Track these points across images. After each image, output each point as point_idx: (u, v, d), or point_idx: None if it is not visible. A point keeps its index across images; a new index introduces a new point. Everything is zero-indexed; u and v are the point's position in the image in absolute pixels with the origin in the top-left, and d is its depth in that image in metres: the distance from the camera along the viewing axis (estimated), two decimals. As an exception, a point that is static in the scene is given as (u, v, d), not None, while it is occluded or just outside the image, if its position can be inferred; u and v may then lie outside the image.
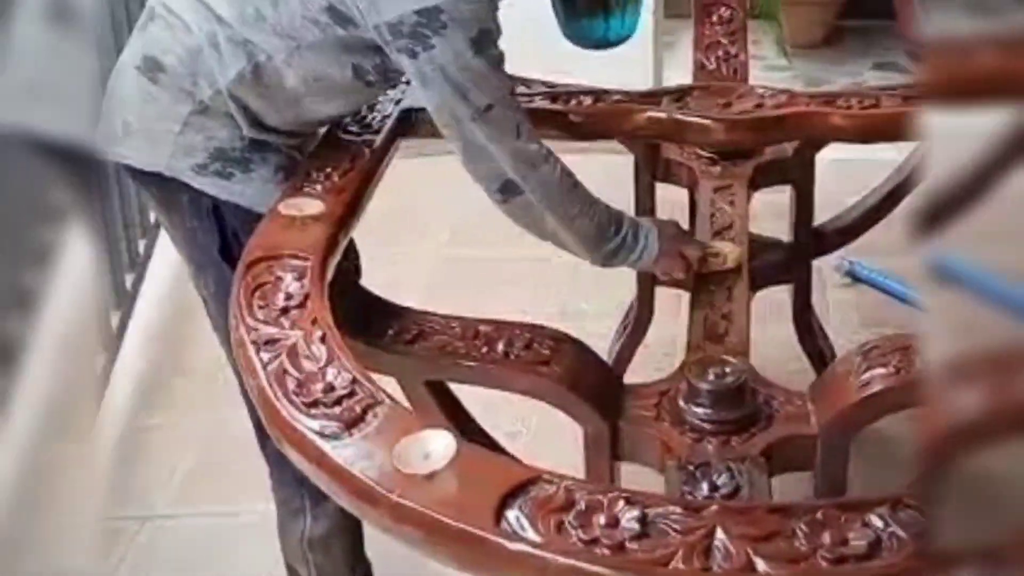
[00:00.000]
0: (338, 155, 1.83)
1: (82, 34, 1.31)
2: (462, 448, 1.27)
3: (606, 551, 1.17)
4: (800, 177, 2.34)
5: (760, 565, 1.15)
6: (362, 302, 1.78)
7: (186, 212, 1.81)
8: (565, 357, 1.73)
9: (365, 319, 1.75)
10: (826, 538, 1.17)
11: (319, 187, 1.77)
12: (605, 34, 2.04)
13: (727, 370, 1.68)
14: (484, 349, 1.71)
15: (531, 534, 1.18)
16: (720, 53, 2.46)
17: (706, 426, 1.66)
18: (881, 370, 1.66)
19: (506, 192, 1.76)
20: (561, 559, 1.16)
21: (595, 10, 2.03)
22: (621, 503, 1.21)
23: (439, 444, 1.27)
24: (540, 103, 1.97)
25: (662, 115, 1.97)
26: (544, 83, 2.09)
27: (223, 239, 1.79)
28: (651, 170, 2.32)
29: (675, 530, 1.18)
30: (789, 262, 2.45)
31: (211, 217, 1.80)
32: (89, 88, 1.44)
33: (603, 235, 1.83)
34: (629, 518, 1.19)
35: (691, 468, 1.53)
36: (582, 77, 2.23)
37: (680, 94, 2.01)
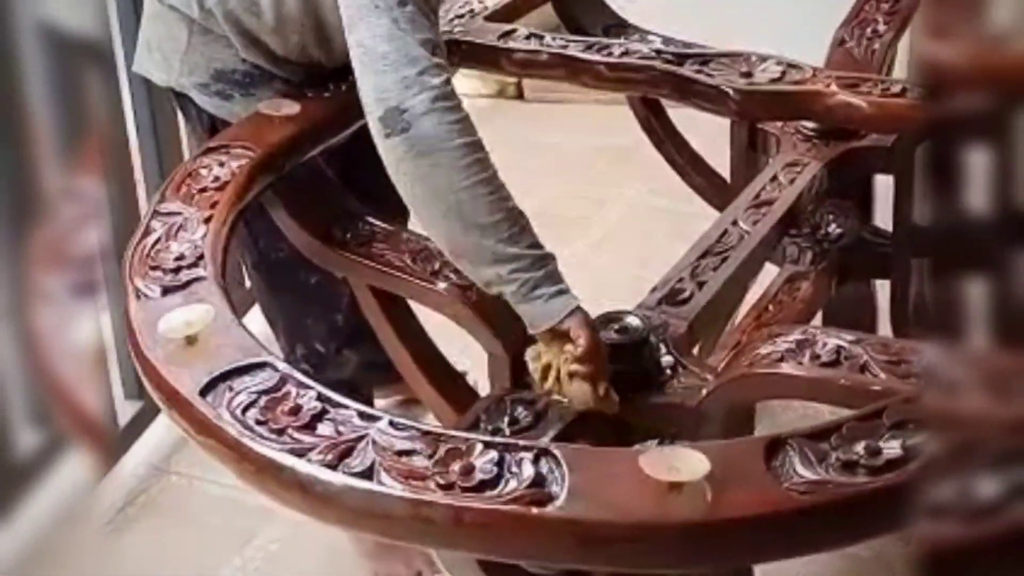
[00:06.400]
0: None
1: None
2: (219, 321, 1.41)
3: (266, 431, 1.28)
4: (898, 167, 2.23)
5: (382, 476, 1.22)
6: (337, 204, 1.91)
7: (196, 124, 1.97)
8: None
9: (332, 219, 1.89)
10: (455, 466, 1.22)
11: (324, 92, 1.91)
12: None
13: (629, 325, 1.69)
14: (416, 265, 1.80)
15: (223, 409, 1.31)
16: (868, 31, 2.37)
17: (593, 377, 1.68)
18: (765, 356, 1.62)
19: (388, 123, 1.51)
20: (227, 431, 1.29)
21: None
22: (310, 396, 1.31)
23: (201, 315, 1.41)
24: (573, 50, 2.01)
25: (675, 76, 1.95)
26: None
27: None
28: (744, 136, 2.30)
29: (337, 430, 1.28)
30: (887, 257, 2.34)
31: (210, 132, 1.91)
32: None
33: (501, 231, 1.50)
34: (308, 410, 1.30)
35: (508, 399, 1.57)
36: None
37: (708, 58, 1.98)
